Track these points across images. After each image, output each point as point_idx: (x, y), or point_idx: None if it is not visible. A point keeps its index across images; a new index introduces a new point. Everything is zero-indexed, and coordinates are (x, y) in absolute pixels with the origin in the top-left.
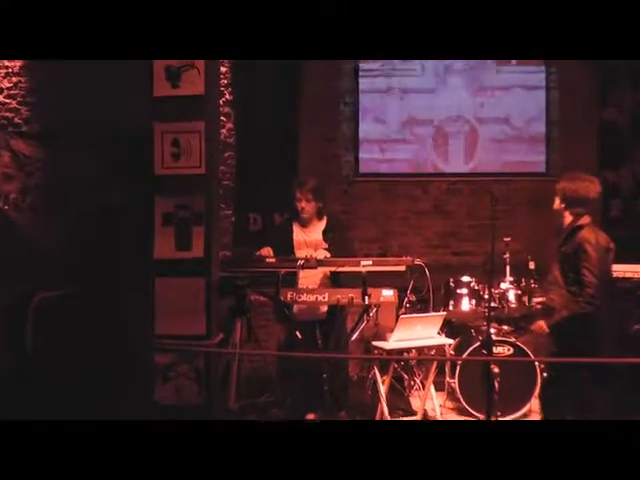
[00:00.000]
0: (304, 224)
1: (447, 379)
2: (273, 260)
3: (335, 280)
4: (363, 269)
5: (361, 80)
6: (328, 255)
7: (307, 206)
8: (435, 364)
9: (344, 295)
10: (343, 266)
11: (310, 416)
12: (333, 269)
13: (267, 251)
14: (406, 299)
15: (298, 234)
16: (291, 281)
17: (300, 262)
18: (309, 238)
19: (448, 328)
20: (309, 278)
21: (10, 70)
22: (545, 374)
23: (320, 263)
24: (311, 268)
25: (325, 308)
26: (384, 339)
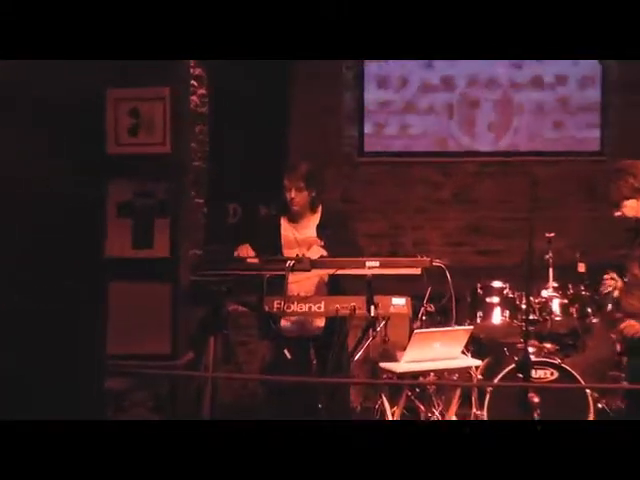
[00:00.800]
0: (294, 218)
1: (474, 411)
2: (256, 261)
3: (334, 286)
4: (368, 272)
5: None
6: (325, 254)
7: (298, 196)
8: (458, 392)
9: (345, 304)
10: (344, 268)
11: None
12: (331, 272)
13: (248, 250)
14: (422, 309)
15: (287, 229)
16: (279, 287)
17: (290, 263)
18: (301, 235)
19: (475, 346)
20: (301, 283)
21: None
22: (600, 404)
23: (314, 264)
24: (303, 271)
25: (321, 321)
26: (394, 360)
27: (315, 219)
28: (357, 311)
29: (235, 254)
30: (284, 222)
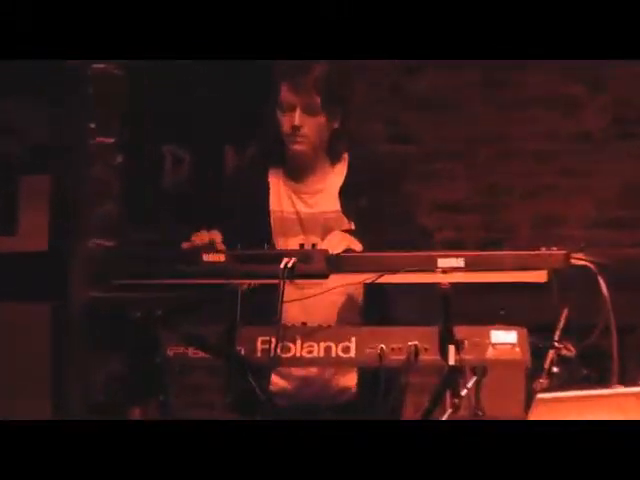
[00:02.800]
0: (297, 174)
1: None
2: (221, 258)
3: (374, 307)
4: (443, 279)
5: None
6: (356, 246)
7: (307, 125)
8: None
9: (396, 343)
10: (393, 272)
11: None
12: (368, 279)
13: (207, 237)
14: (551, 353)
15: (282, 197)
16: (266, 309)
17: (287, 263)
18: (309, 207)
19: None
20: (310, 302)
21: None
22: None
23: (336, 265)
24: (315, 278)
25: (350, 378)
26: None
27: (337, 177)
28: (421, 356)
29: (184, 245)
30: (277, 182)
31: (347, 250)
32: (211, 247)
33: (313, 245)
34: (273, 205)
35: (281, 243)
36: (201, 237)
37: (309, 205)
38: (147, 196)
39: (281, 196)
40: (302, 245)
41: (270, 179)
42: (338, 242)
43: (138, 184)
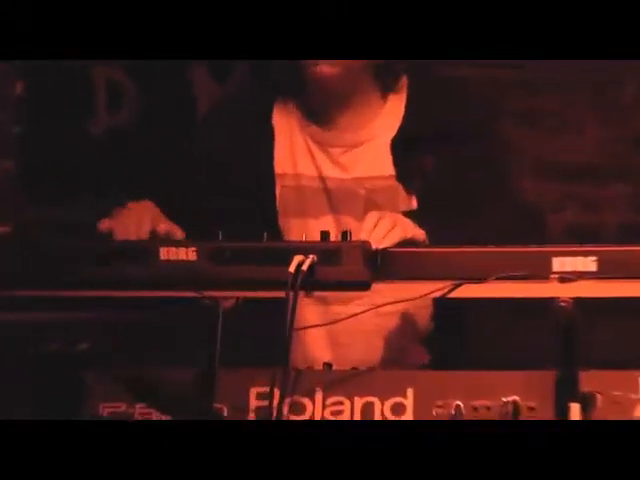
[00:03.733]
0: (324, 111)
1: None
2: (192, 255)
3: (443, 338)
4: (562, 292)
5: None
6: (420, 239)
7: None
8: None
9: (483, 398)
10: (480, 281)
11: None
12: (437, 292)
13: (154, 218)
14: None
15: (299, 152)
16: (265, 341)
17: (301, 263)
18: (341, 170)
19: None
20: (338, 331)
21: None
22: None
23: (383, 267)
24: (348, 288)
25: None
26: None
27: (390, 118)
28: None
29: (118, 236)
30: (288, 126)
31: (402, 243)
32: (173, 237)
33: (345, 234)
34: (281, 166)
35: (292, 230)
36: (155, 220)
37: (342, 166)
38: (63, 151)
39: (295, 151)
40: (326, 234)
41: (276, 122)
42: (388, 229)
43: (49, 130)
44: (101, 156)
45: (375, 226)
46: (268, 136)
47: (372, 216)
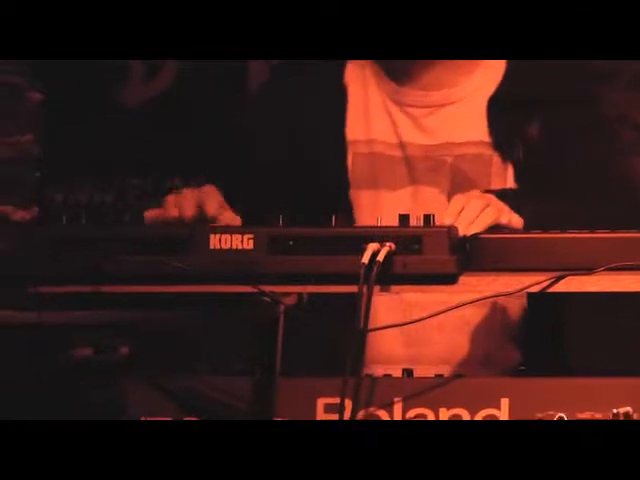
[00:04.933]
0: (406, 64)
1: None
2: (249, 243)
3: (543, 338)
4: None
5: None
6: (517, 225)
7: None
8: None
9: (591, 409)
10: (589, 273)
11: None
12: (536, 285)
13: (216, 202)
14: None
15: (374, 113)
16: (333, 343)
17: (376, 252)
18: (426, 135)
19: None
20: (419, 331)
21: None
22: None
23: (473, 255)
24: (432, 281)
25: None
26: None
27: (488, 73)
28: None
29: (147, 217)
30: (362, 84)
31: (495, 228)
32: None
33: (428, 218)
34: (353, 131)
35: (364, 205)
36: (187, 197)
37: (425, 130)
38: (92, 125)
39: (370, 113)
40: (405, 218)
41: (348, 79)
42: (477, 212)
43: (75, 102)
44: (138, 132)
45: (463, 209)
46: (339, 96)
47: (459, 198)
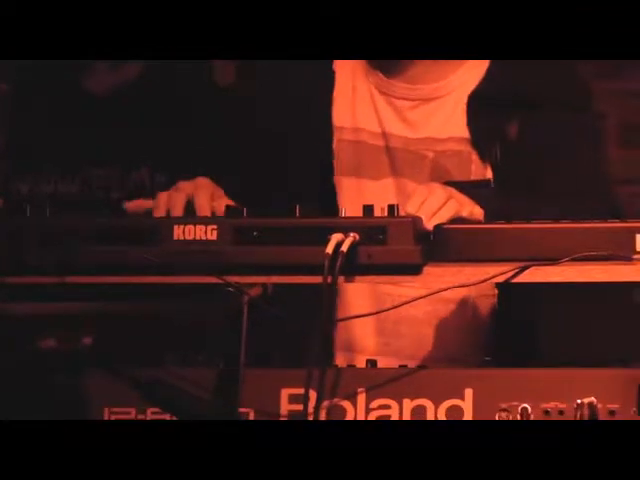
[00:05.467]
0: (390, 62)
1: None
2: (212, 234)
3: (508, 328)
4: None
5: None
6: (477, 216)
7: None
8: None
9: (555, 400)
10: (553, 263)
11: None
12: (501, 276)
13: (188, 189)
14: None
15: (361, 103)
16: (298, 334)
17: (340, 243)
18: (410, 128)
19: None
20: (384, 322)
21: None
22: None
23: (438, 246)
24: (396, 271)
25: None
26: None
27: (471, 69)
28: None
29: (127, 207)
30: (350, 72)
31: (457, 220)
32: (190, 211)
33: (392, 208)
34: (339, 117)
35: (346, 192)
36: (179, 194)
37: (409, 123)
38: (54, 113)
39: (356, 101)
40: (370, 208)
41: (337, 66)
42: (439, 204)
43: (42, 90)
44: (104, 119)
45: (425, 200)
46: (328, 81)
47: (421, 190)
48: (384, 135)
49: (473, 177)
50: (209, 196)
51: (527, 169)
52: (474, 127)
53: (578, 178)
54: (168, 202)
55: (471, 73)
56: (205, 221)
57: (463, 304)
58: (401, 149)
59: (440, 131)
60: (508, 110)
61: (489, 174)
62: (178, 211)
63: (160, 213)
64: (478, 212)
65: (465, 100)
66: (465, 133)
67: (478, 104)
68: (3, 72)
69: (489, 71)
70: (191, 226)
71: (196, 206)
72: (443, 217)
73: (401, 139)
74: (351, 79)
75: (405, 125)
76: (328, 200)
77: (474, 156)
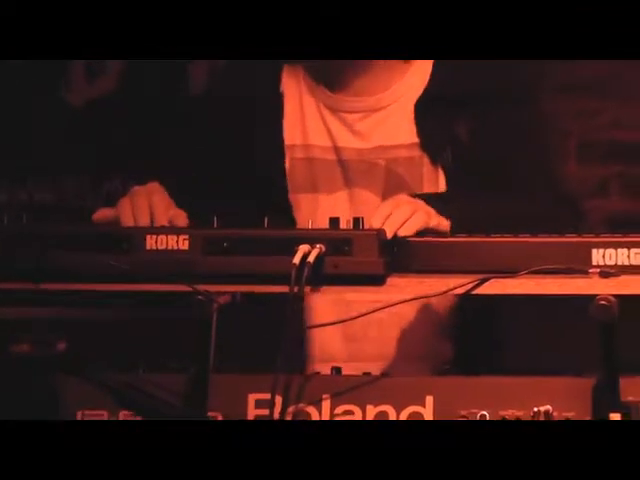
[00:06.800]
0: (339, 72)
1: None
2: (183, 244)
3: (468, 338)
4: (603, 289)
5: None
6: (444, 228)
7: None
8: None
9: (512, 408)
10: (512, 276)
11: None
12: (462, 287)
13: (158, 198)
14: None
15: (310, 119)
16: (265, 342)
17: (306, 254)
18: (360, 139)
19: None
20: (349, 331)
21: None
22: None
23: (401, 258)
24: (360, 282)
25: None
26: None
27: (415, 78)
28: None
29: (95, 218)
30: (297, 90)
31: (424, 232)
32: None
33: (357, 221)
34: (290, 136)
35: (302, 208)
36: (140, 200)
37: (358, 134)
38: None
39: (305, 119)
40: (336, 221)
41: (285, 87)
42: (406, 217)
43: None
44: (80, 130)
45: (391, 213)
46: (276, 102)
47: (388, 202)
48: (335, 149)
49: (425, 181)
50: (165, 202)
51: (479, 172)
52: (423, 132)
53: (530, 181)
54: (132, 209)
55: (414, 80)
56: (177, 231)
57: (426, 309)
58: (354, 160)
59: (390, 139)
60: (456, 113)
61: (441, 177)
62: (144, 215)
63: (127, 220)
64: (444, 224)
65: (412, 107)
66: (414, 139)
67: (425, 109)
68: None
69: (433, 76)
70: (163, 236)
71: (154, 209)
72: (411, 229)
73: (353, 151)
74: (298, 98)
75: (355, 137)
76: (282, 217)
77: (425, 160)
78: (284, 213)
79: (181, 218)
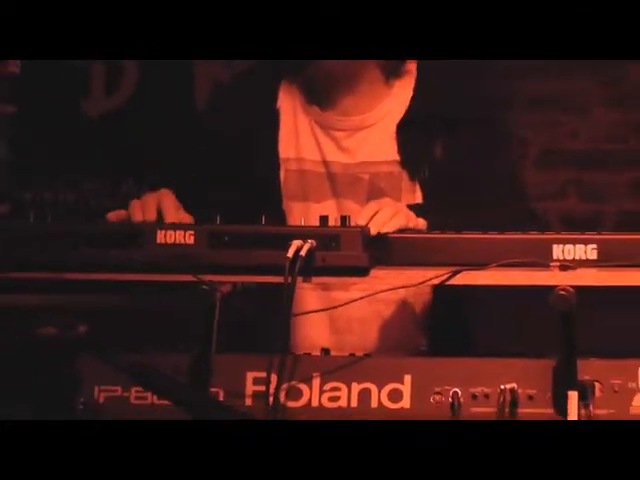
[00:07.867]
0: (327, 94)
1: None
2: (189, 239)
3: (442, 324)
4: (562, 280)
5: None
6: (420, 227)
7: None
8: None
9: (481, 386)
10: (480, 268)
11: None
12: (436, 278)
13: (164, 201)
14: None
15: (303, 135)
16: (262, 327)
17: (299, 248)
18: (346, 154)
19: None
20: (336, 317)
21: None
22: None
23: (382, 252)
24: (347, 273)
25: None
26: None
27: (396, 102)
28: (521, 408)
29: (109, 217)
30: (292, 109)
31: (403, 230)
32: (160, 216)
33: (344, 219)
34: (285, 150)
35: (294, 215)
36: (149, 202)
37: (345, 150)
38: (55, 132)
39: (299, 134)
40: (325, 219)
41: (281, 104)
42: (388, 215)
43: (41, 111)
44: (97, 139)
45: (376, 212)
46: (272, 119)
47: (372, 204)
48: (325, 163)
49: (404, 193)
50: (174, 205)
51: (451, 184)
52: (403, 150)
53: (497, 192)
54: (142, 207)
55: (396, 102)
56: (184, 227)
57: (402, 304)
58: (340, 174)
59: (373, 155)
60: (433, 133)
61: (418, 191)
62: (151, 214)
63: (137, 217)
64: (422, 223)
65: (394, 127)
66: (395, 156)
67: (406, 130)
68: (9, 94)
69: (413, 100)
70: (172, 231)
71: (164, 212)
72: (392, 227)
73: (340, 165)
74: (293, 115)
75: (342, 152)
76: (280, 221)
77: (404, 175)
78: (279, 219)
79: (188, 220)
